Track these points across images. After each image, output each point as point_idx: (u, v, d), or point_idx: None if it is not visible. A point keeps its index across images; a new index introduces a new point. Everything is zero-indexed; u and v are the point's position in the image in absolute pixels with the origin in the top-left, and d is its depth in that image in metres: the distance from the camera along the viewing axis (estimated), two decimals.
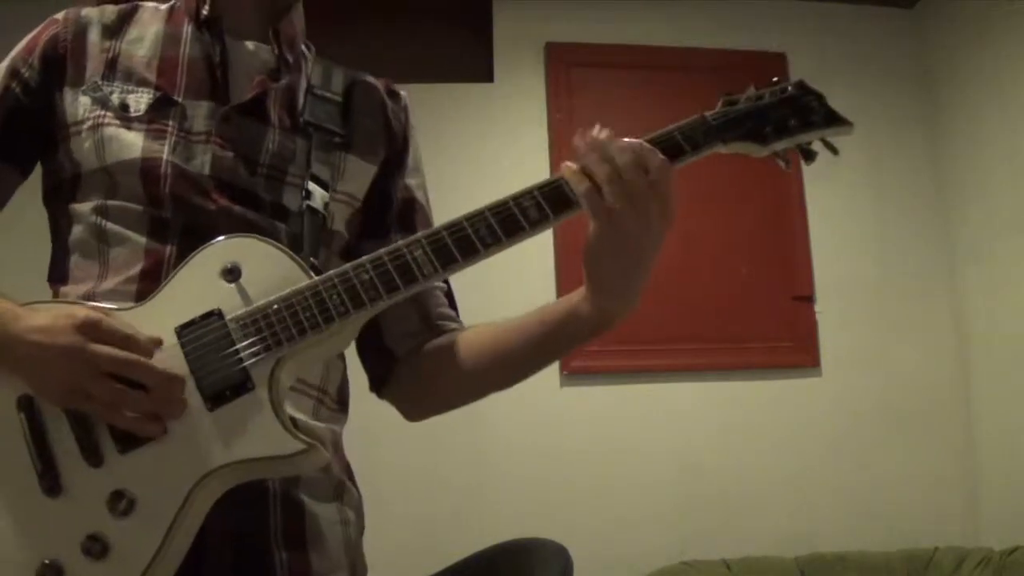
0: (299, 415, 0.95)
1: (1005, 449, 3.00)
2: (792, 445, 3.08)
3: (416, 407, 1.12)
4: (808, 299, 3.20)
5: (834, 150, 1.02)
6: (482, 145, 3.09)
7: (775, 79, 1.03)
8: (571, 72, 3.23)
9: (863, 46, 3.33)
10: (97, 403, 0.82)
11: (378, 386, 1.11)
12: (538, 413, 2.99)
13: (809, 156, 1.02)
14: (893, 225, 3.31)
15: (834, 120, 1.00)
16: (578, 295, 0.97)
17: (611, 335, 3.31)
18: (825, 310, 3.20)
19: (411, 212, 1.12)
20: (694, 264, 3.15)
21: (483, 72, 3.20)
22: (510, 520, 2.76)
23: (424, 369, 1.08)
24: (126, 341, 0.82)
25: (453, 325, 1.10)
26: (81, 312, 0.82)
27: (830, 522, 3.00)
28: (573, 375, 3.05)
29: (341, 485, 1.02)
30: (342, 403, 1.06)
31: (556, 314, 0.99)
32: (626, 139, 0.90)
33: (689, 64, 3.18)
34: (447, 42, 3.14)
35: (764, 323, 3.16)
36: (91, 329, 0.81)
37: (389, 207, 1.11)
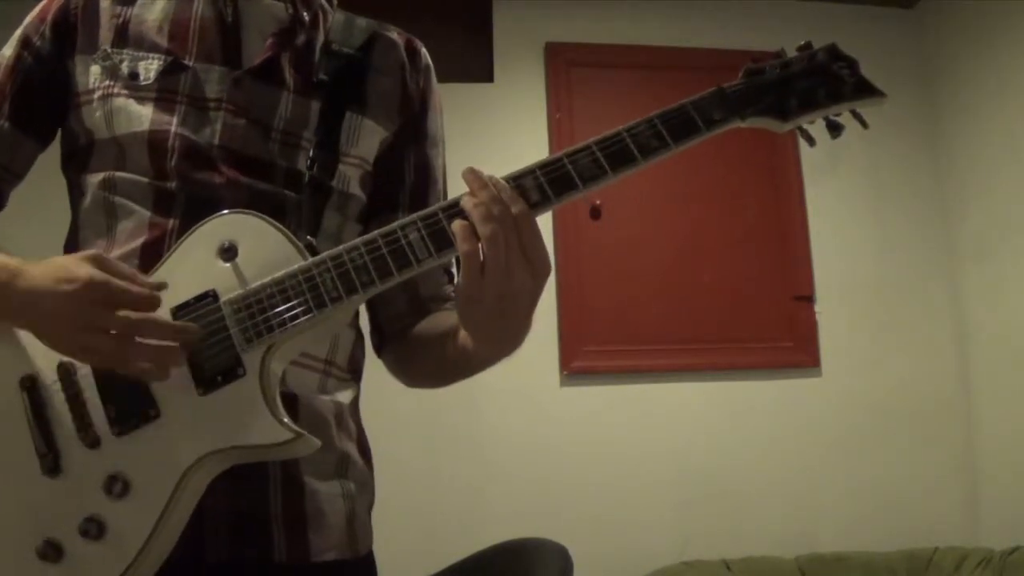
0: (302, 392, 0.95)
1: (1005, 449, 3.00)
2: (792, 445, 3.08)
3: (406, 379, 1.13)
4: (808, 299, 3.20)
5: (864, 123, 0.93)
6: (482, 145, 3.09)
7: (804, 42, 0.95)
8: (571, 72, 3.23)
9: (863, 46, 3.30)
10: (102, 358, 0.82)
11: (376, 351, 1.13)
12: (538, 413, 2.99)
13: (835, 129, 0.93)
14: (893, 225, 3.31)
15: (866, 90, 0.92)
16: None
17: (611, 335, 3.31)
18: (825, 310, 3.20)
19: (425, 190, 1.10)
20: (694, 264, 3.15)
21: (483, 72, 3.20)
22: (510, 520, 2.76)
23: (407, 350, 1.09)
24: (128, 296, 0.81)
25: (445, 306, 1.08)
26: (82, 274, 0.80)
27: (830, 522, 3.00)
28: (573, 375, 3.05)
29: (345, 459, 1.00)
30: (353, 371, 1.05)
31: (462, 343, 0.96)
32: (497, 183, 0.84)
33: (689, 64, 3.18)
34: (447, 42, 3.14)
35: (764, 323, 3.16)
36: (92, 290, 0.80)
37: (401, 182, 1.08)
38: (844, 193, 3.30)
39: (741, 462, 3.04)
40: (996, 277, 3.07)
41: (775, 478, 3.04)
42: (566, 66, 3.24)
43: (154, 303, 0.82)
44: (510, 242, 0.82)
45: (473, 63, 3.18)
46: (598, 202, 3.08)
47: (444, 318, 1.05)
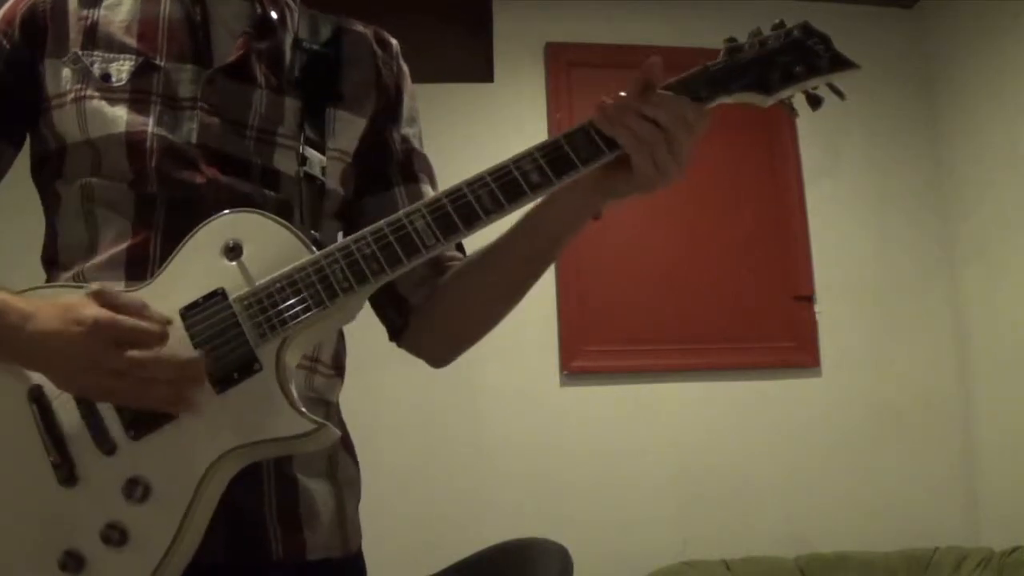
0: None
1: (1005, 449, 3.00)
2: (792, 445, 3.08)
3: (438, 350, 1.11)
4: (808, 299, 3.20)
5: (841, 94, 0.98)
6: (482, 145, 3.09)
7: (778, 21, 1.00)
8: (571, 72, 3.23)
9: (863, 46, 3.31)
10: (119, 398, 0.82)
11: (397, 336, 1.11)
12: (538, 413, 3.00)
13: (816, 102, 0.98)
14: (893, 225, 3.31)
15: (840, 63, 0.97)
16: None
17: (611, 335, 3.30)
18: (825, 310, 3.20)
19: (411, 162, 1.11)
20: (694, 264, 3.15)
21: (483, 72, 3.20)
22: (510, 520, 2.76)
23: (438, 309, 1.07)
24: (136, 334, 0.81)
25: (459, 259, 1.09)
26: (89, 314, 0.80)
27: (830, 522, 3.00)
28: (573, 375, 3.05)
29: (334, 456, 1.01)
30: (337, 368, 1.05)
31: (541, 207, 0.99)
32: (659, 92, 0.90)
33: (689, 64, 3.17)
34: (447, 42, 3.14)
35: (764, 323, 3.16)
36: (100, 332, 0.79)
37: (389, 159, 1.09)
38: (844, 193, 3.30)
39: (741, 462, 3.04)
40: (996, 277, 3.07)
41: (775, 478, 3.04)
42: (566, 66, 3.24)
43: (163, 338, 0.82)
44: (685, 143, 0.91)
45: (473, 63, 3.18)
46: None
47: (472, 258, 1.07)
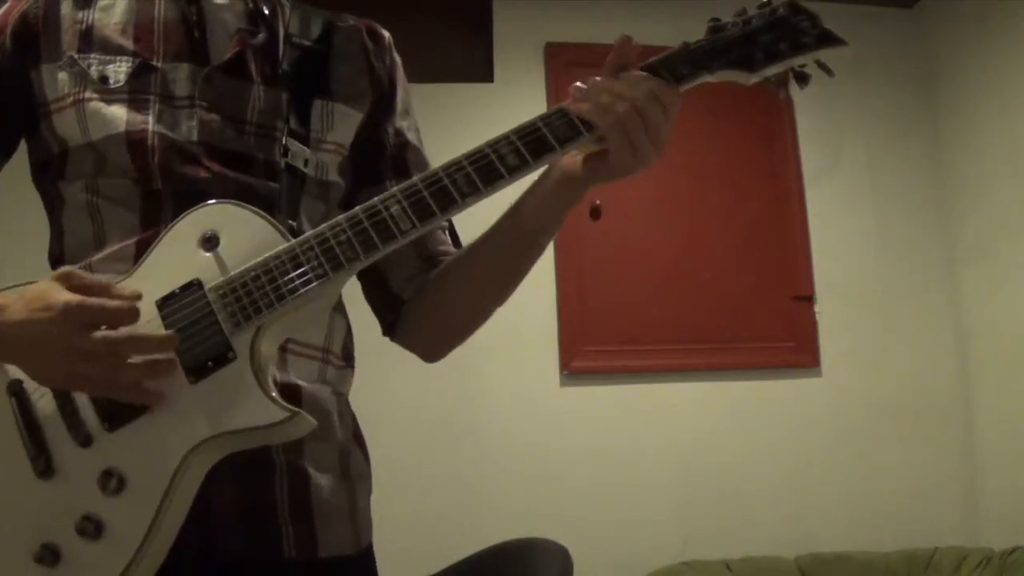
0: (302, 382, 0.95)
1: (1005, 449, 3.00)
2: (792, 445, 3.08)
3: (430, 344, 1.11)
4: (808, 299, 3.20)
5: (829, 72, 0.96)
6: None
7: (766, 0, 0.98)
8: (571, 72, 3.23)
9: (863, 46, 3.33)
10: (93, 384, 0.82)
11: (389, 330, 1.11)
12: (538, 413, 3.00)
13: (803, 80, 0.96)
14: (893, 225, 3.31)
15: (828, 39, 0.95)
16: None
17: (611, 335, 3.29)
18: (825, 310, 3.20)
19: (404, 156, 1.11)
20: (694, 264, 3.15)
21: (483, 72, 3.20)
22: (510, 520, 2.76)
23: (428, 303, 1.07)
24: (106, 314, 0.80)
25: (452, 253, 1.09)
26: (58, 300, 0.79)
27: (830, 522, 3.00)
28: (573, 375, 3.05)
29: (346, 450, 1.01)
30: (347, 358, 1.05)
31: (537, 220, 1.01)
32: (633, 72, 0.90)
33: None
34: (447, 42, 3.13)
35: (764, 323, 3.16)
36: (69, 316, 0.79)
37: (381, 154, 1.09)
38: (844, 193, 3.30)
39: (741, 462, 3.04)
40: (996, 277, 3.07)
41: (775, 478, 3.04)
42: (566, 66, 3.23)
43: (132, 315, 0.81)
44: (660, 122, 0.90)
45: (473, 63, 3.18)
46: (598, 202, 3.08)
47: (460, 253, 1.07)
